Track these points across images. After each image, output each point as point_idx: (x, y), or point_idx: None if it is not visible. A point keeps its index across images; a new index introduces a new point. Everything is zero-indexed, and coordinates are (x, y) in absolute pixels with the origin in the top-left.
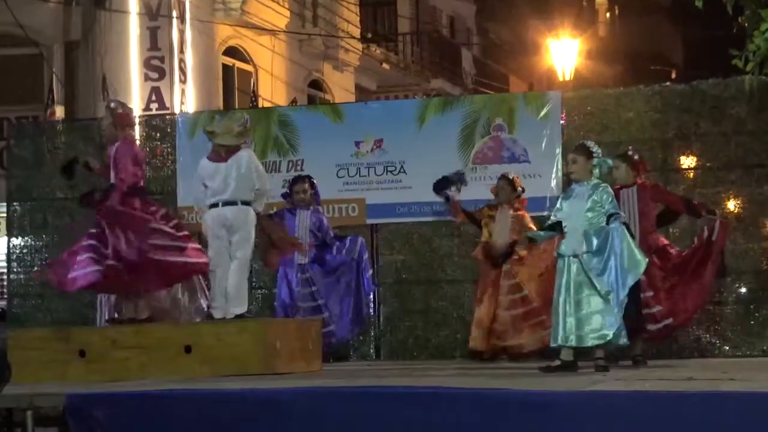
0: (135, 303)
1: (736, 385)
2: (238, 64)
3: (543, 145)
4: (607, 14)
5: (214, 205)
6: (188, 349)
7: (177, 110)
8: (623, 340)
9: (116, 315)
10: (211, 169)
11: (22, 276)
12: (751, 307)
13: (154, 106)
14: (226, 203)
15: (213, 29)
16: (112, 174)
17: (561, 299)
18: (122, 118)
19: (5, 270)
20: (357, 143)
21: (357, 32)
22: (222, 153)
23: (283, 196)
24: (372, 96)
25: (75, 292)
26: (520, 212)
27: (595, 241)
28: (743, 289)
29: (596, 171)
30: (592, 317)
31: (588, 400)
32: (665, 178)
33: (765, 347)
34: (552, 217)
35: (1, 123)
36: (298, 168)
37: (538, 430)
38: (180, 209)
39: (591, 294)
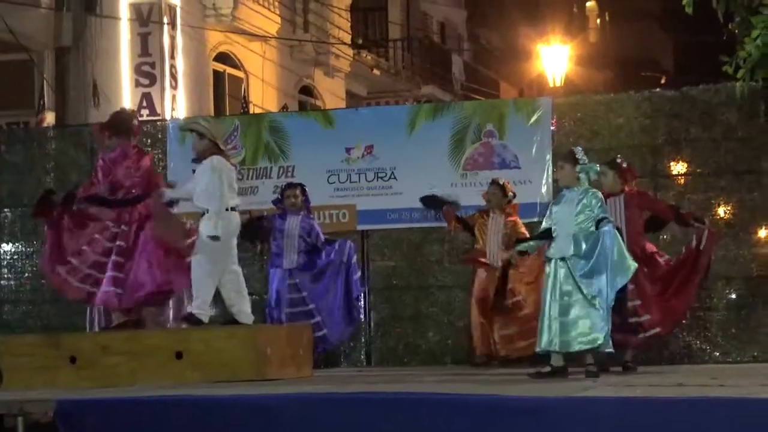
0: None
1: (726, 391)
2: (229, 70)
3: (533, 151)
4: (598, 20)
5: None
6: (179, 355)
7: (168, 116)
8: (609, 347)
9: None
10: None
11: (12, 282)
12: (741, 313)
13: (144, 112)
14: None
15: (204, 35)
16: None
17: (547, 303)
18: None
19: None
20: (348, 149)
21: (348, 38)
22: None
23: (274, 202)
24: (363, 102)
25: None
26: (512, 218)
27: (583, 245)
28: (733, 295)
29: (583, 176)
30: (578, 321)
31: (578, 406)
32: (655, 184)
33: (755, 353)
34: (543, 224)
35: None
36: (289, 174)
37: None
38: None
39: (578, 299)
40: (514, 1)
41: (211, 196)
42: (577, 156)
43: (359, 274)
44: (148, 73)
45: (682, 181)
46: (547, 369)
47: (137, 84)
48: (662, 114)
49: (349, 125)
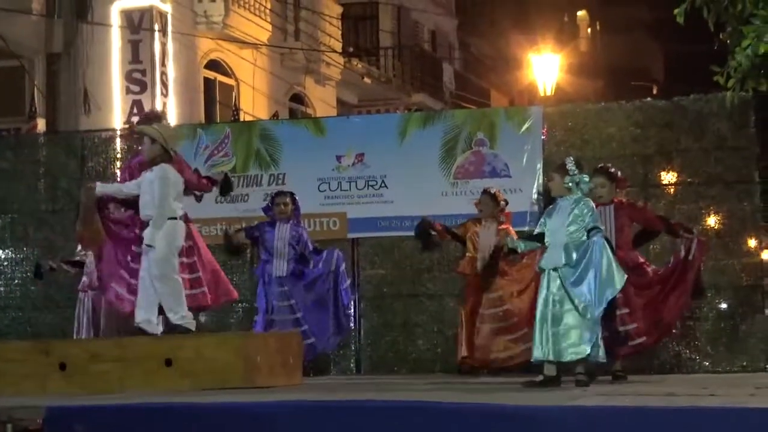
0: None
1: (717, 400)
2: (220, 77)
3: (524, 159)
4: (589, 29)
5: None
6: (169, 363)
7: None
8: (601, 357)
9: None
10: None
11: (2, 288)
12: (731, 322)
13: (135, 119)
14: None
15: (195, 42)
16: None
17: (540, 313)
18: None
19: None
20: (338, 157)
21: (339, 46)
22: None
23: (264, 209)
24: (353, 110)
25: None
26: (504, 226)
27: (574, 255)
28: (723, 305)
29: (573, 187)
30: (570, 332)
31: (568, 415)
32: (646, 193)
33: (744, 363)
34: (537, 229)
35: None
36: (280, 182)
37: None
38: None
39: (569, 309)
40: (505, 9)
41: (156, 205)
42: (567, 167)
43: (349, 282)
44: (138, 80)
45: (673, 190)
46: (540, 378)
47: (128, 91)
48: (653, 124)
49: (339, 133)
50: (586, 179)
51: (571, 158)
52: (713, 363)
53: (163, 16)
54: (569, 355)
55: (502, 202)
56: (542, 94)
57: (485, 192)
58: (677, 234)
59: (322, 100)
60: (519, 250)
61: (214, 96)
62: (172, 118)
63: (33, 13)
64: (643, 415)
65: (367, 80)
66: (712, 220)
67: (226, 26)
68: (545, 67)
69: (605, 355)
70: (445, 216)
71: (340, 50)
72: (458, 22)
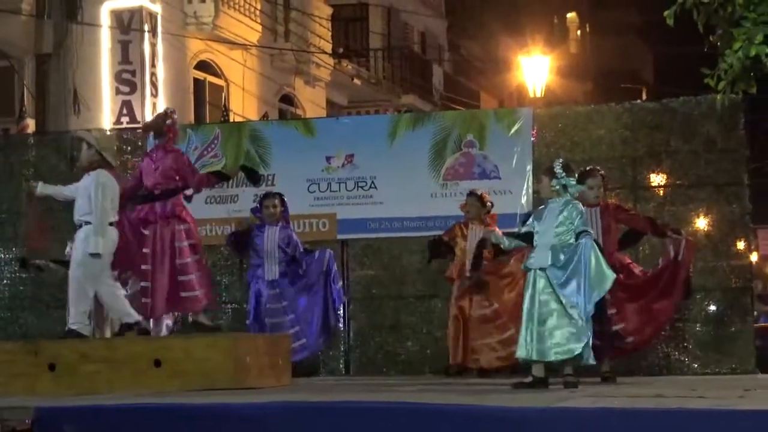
0: None
1: (705, 402)
2: (210, 78)
3: (514, 161)
4: (578, 32)
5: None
6: (158, 363)
7: None
8: (591, 359)
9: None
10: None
11: None
12: (720, 325)
13: (125, 119)
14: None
15: (184, 43)
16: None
17: (526, 312)
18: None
19: None
20: (328, 158)
21: (329, 47)
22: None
23: (253, 211)
24: (343, 111)
25: None
26: (491, 228)
27: (561, 256)
28: (712, 307)
29: (560, 189)
30: (555, 332)
31: (557, 416)
32: (635, 195)
33: (733, 365)
34: (524, 228)
35: None
36: (269, 183)
37: None
38: None
39: (555, 309)
40: (494, 11)
41: (93, 210)
42: (555, 170)
43: (341, 283)
44: (128, 80)
45: (662, 192)
46: (529, 379)
47: (118, 91)
48: (643, 126)
49: (329, 134)
50: (573, 182)
51: (560, 161)
52: (702, 365)
53: (152, 16)
54: (553, 355)
55: (489, 204)
56: (532, 96)
57: (471, 194)
58: (665, 235)
59: (311, 101)
60: (503, 246)
61: (203, 97)
62: None
63: (23, 13)
64: (632, 416)
65: (356, 81)
66: (701, 223)
67: (215, 27)
68: (535, 69)
69: (593, 357)
70: (434, 217)
71: (330, 51)
72: (448, 23)
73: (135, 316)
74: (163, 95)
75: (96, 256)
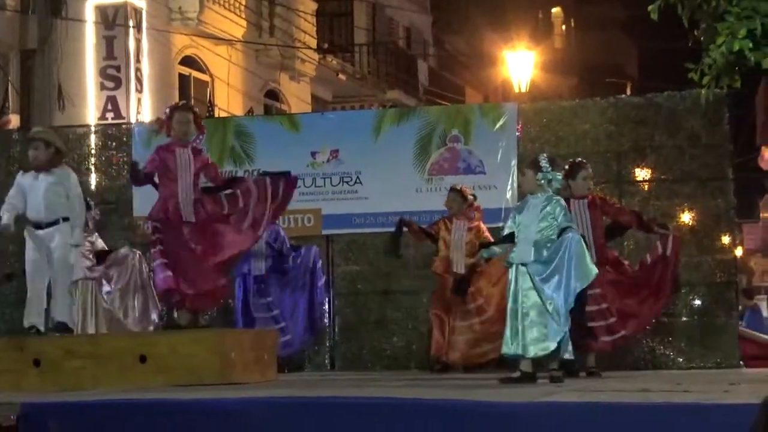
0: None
1: (691, 396)
2: (195, 73)
3: (499, 156)
4: (563, 27)
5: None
6: (143, 359)
7: (133, 119)
8: (567, 354)
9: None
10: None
11: None
12: (705, 319)
13: (110, 115)
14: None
15: (169, 39)
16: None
17: (510, 308)
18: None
19: None
20: (313, 153)
21: (313, 43)
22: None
23: None
24: (328, 106)
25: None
26: (475, 223)
27: (544, 252)
28: (697, 302)
29: (545, 184)
30: (533, 328)
31: (543, 411)
32: (620, 190)
33: (718, 359)
34: (506, 229)
35: None
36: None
37: None
38: (136, 219)
39: (534, 304)
40: (479, 7)
41: (75, 205)
42: (540, 164)
43: (324, 279)
44: (113, 76)
45: (647, 187)
46: (517, 374)
47: (102, 87)
48: (627, 120)
49: (314, 129)
50: (559, 177)
51: (545, 155)
52: (687, 359)
53: (137, 12)
54: (533, 351)
55: (470, 197)
56: (517, 91)
57: (452, 189)
58: (651, 230)
59: (296, 97)
60: (496, 256)
61: (188, 92)
62: (147, 114)
63: (7, 8)
64: (618, 410)
65: (341, 77)
66: (686, 217)
67: (200, 22)
68: (520, 64)
69: (572, 352)
70: (419, 212)
71: (315, 47)
72: (433, 19)
73: (71, 322)
74: (148, 91)
75: (76, 247)
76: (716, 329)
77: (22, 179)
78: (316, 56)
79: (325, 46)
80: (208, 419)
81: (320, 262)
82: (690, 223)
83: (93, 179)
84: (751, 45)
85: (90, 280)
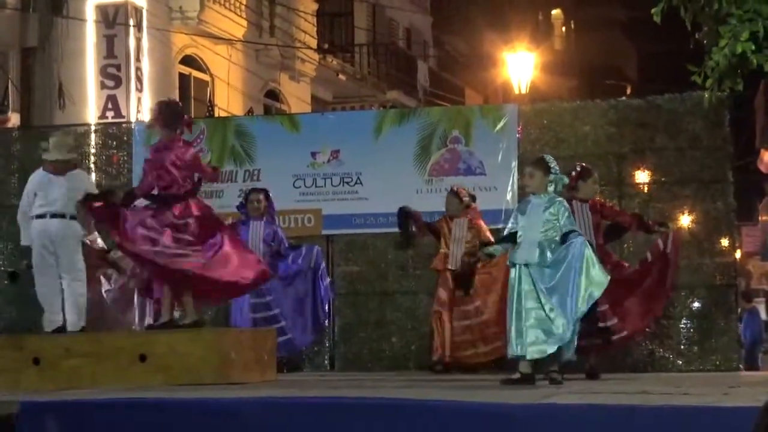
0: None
1: (690, 399)
2: (195, 73)
3: (499, 157)
4: (563, 28)
5: (41, 216)
6: (143, 358)
7: (133, 118)
8: (568, 354)
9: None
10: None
11: None
12: (704, 322)
13: (110, 114)
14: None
15: (170, 38)
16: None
17: (510, 308)
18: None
19: None
20: (313, 154)
21: (314, 43)
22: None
23: (238, 207)
24: (328, 107)
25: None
26: (475, 222)
27: (548, 254)
28: (696, 304)
29: (551, 187)
30: (530, 330)
31: (541, 413)
32: (620, 192)
33: (717, 362)
34: (508, 229)
35: None
36: (255, 178)
37: None
38: None
39: (534, 307)
40: (479, 8)
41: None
42: (549, 164)
43: (329, 280)
44: (113, 75)
45: (647, 189)
46: (516, 376)
47: (103, 86)
48: (628, 122)
49: (315, 130)
50: (566, 180)
51: (550, 156)
52: (686, 362)
53: (138, 11)
54: (530, 353)
55: (466, 199)
56: (517, 93)
57: (449, 191)
58: (651, 230)
59: (296, 97)
60: (496, 256)
61: (188, 91)
62: (147, 114)
63: (8, 7)
64: (617, 413)
65: (341, 77)
66: (686, 220)
67: (201, 22)
68: (520, 65)
69: (578, 352)
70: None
71: (315, 47)
72: (433, 19)
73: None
74: (148, 90)
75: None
76: (715, 332)
77: (35, 178)
78: (316, 56)
79: (326, 46)
80: (208, 419)
81: (324, 262)
82: (690, 226)
83: (93, 178)
84: (753, 47)
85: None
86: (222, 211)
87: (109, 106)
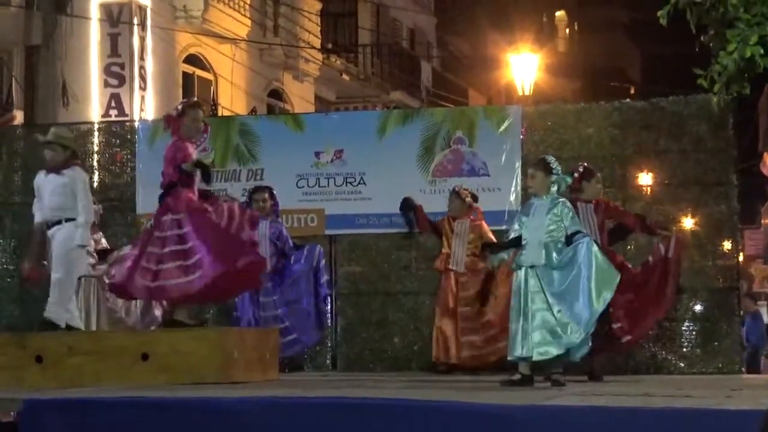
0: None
1: (693, 402)
2: (198, 72)
3: (503, 158)
4: (567, 30)
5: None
6: (145, 357)
7: (136, 117)
8: (577, 358)
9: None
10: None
11: None
12: (707, 324)
13: (113, 112)
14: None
15: (173, 37)
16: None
17: (521, 310)
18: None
19: None
20: (317, 153)
21: (317, 43)
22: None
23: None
24: (331, 107)
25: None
26: (477, 222)
27: (554, 255)
28: (699, 307)
29: (554, 188)
30: (535, 332)
31: (544, 414)
32: (623, 194)
33: (720, 364)
34: (512, 232)
35: None
36: (258, 177)
37: None
38: (138, 216)
39: (541, 308)
40: (483, 9)
41: (84, 206)
42: (551, 165)
43: (327, 277)
44: (117, 73)
45: (651, 191)
46: (517, 377)
47: (106, 84)
48: (631, 125)
49: (319, 130)
50: (569, 179)
51: (552, 157)
52: (689, 364)
53: (142, 9)
54: (536, 355)
55: (468, 199)
56: (520, 94)
57: (451, 191)
58: (654, 232)
59: (300, 96)
60: (506, 260)
61: (192, 90)
62: (150, 112)
63: (12, 5)
64: (619, 415)
65: (345, 77)
66: (689, 222)
67: (205, 21)
68: (523, 66)
69: (579, 357)
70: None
71: (319, 47)
72: (437, 20)
73: (67, 320)
74: (151, 89)
75: (82, 248)
76: (718, 335)
77: (37, 179)
78: (319, 56)
79: (329, 46)
80: (210, 418)
81: (324, 261)
82: (693, 228)
83: (96, 177)
84: (762, 51)
85: (92, 278)
86: None
87: (113, 104)
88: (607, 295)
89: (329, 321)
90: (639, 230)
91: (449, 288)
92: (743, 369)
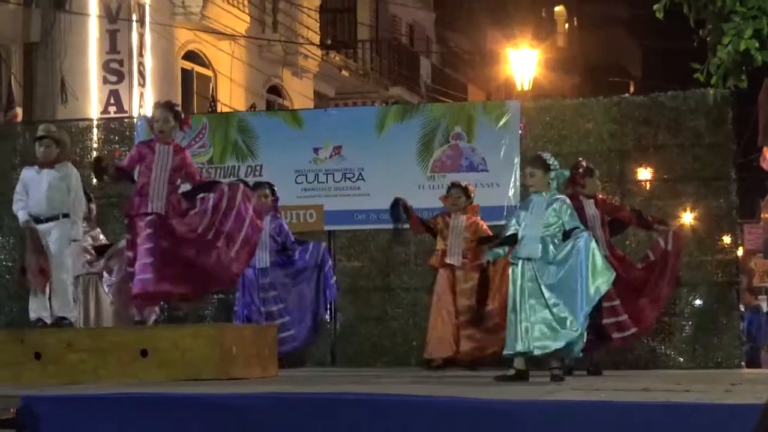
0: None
1: (692, 396)
2: (197, 68)
3: (501, 154)
4: (566, 25)
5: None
6: (144, 353)
7: (135, 113)
8: (576, 351)
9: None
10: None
11: None
12: (706, 319)
13: (112, 109)
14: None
15: (172, 33)
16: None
17: (511, 305)
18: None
19: None
20: (316, 149)
21: (316, 39)
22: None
23: None
24: (330, 103)
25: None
26: (473, 218)
27: (551, 250)
28: (698, 302)
29: (553, 183)
30: (535, 326)
31: (543, 409)
32: (622, 189)
33: (719, 359)
34: (511, 229)
35: None
36: (257, 173)
37: None
38: None
39: (538, 303)
40: (483, 4)
41: (74, 200)
42: (548, 162)
43: (335, 278)
44: (116, 70)
45: (650, 186)
46: (511, 372)
47: (105, 81)
48: (631, 120)
49: (317, 125)
50: (567, 174)
51: (548, 153)
52: (688, 359)
53: (141, 6)
54: (536, 350)
55: (473, 196)
56: (519, 89)
57: (456, 186)
58: (651, 226)
59: (299, 93)
60: (503, 255)
61: (191, 87)
62: (149, 109)
63: (11, 2)
64: (619, 409)
65: (344, 73)
66: (688, 217)
67: (204, 17)
68: (522, 62)
69: (580, 351)
70: (421, 209)
71: (318, 43)
72: (436, 16)
73: (72, 316)
74: (150, 85)
75: (75, 242)
76: (717, 329)
77: (25, 173)
78: (319, 52)
79: (328, 42)
80: (209, 414)
81: (329, 259)
82: (692, 223)
83: None
84: (757, 45)
85: (91, 275)
86: None
87: (112, 101)
88: (602, 289)
89: (327, 318)
90: (635, 224)
91: (446, 283)
92: (742, 363)
